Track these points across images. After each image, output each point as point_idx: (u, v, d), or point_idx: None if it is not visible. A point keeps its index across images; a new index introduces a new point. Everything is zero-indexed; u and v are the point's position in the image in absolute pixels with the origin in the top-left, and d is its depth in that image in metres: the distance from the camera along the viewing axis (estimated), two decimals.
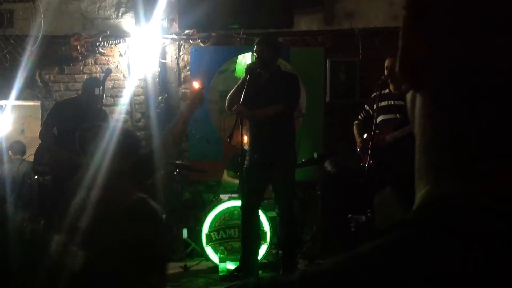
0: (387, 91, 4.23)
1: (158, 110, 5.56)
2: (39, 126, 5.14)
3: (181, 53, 5.71)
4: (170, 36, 5.62)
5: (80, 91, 4.79)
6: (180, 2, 5.48)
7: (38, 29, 5.47)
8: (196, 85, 2.74)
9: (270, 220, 4.35)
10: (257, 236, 4.06)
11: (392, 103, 4.17)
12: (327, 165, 4.72)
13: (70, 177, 2.50)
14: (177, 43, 5.67)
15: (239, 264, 4.06)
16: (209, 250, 4.44)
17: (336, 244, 4.37)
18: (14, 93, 5.35)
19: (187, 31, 5.57)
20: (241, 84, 3.96)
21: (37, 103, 5.85)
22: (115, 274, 1.82)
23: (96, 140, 2.00)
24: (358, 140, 4.42)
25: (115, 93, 5.70)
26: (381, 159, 4.00)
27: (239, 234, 4.24)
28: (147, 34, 5.45)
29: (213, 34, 5.58)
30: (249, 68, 3.97)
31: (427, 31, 0.43)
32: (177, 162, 4.99)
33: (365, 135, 4.30)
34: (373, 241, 0.41)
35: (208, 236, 4.46)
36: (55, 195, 4.04)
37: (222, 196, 4.75)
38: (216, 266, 4.29)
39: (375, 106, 4.18)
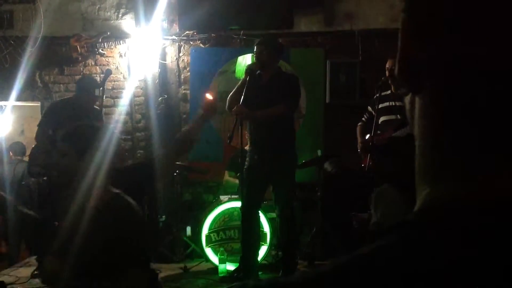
0: (388, 92, 4.24)
1: (158, 111, 5.56)
2: None
3: (181, 54, 5.71)
4: (170, 37, 5.63)
5: (77, 91, 4.78)
6: (180, 3, 5.48)
7: (38, 30, 5.48)
8: (209, 96, 2.80)
9: (270, 221, 4.35)
10: (257, 237, 4.06)
11: (393, 104, 4.18)
12: (327, 166, 4.72)
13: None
14: (177, 44, 5.67)
15: (239, 265, 4.06)
16: (209, 251, 4.44)
17: (336, 245, 4.37)
18: (14, 94, 5.35)
19: (187, 32, 5.57)
20: (241, 85, 3.96)
21: (37, 104, 5.85)
22: (98, 268, 1.83)
23: (75, 139, 2.04)
24: (359, 140, 4.43)
25: (115, 94, 5.70)
26: (378, 160, 4.01)
27: (239, 235, 4.23)
28: (147, 35, 5.45)
29: (213, 35, 5.58)
30: (249, 69, 3.97)
31: (425, 34, 0.44)
32: (177, 163, 4.99)
33: (367, 136, 4.30)
34: (374, 242, 0.41)
35: (208, 237, 4.45)
36: (52, 195, 4.04)
37: (222, 197, 4.75)
38: (216, 267, 4.28)
39: (378, 107, 4.21)
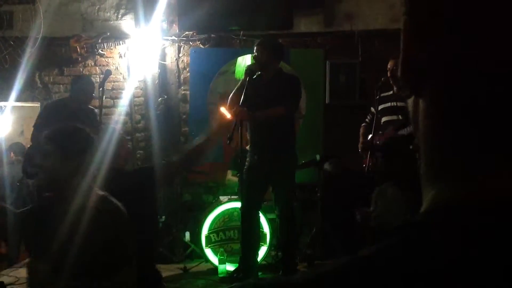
0: (390, 92, 4.24)
1: (157, 112, 5.56)
2: None
3: (180, 55, 5.71)
4: (170, 38, 5.63)
5: (72, 90, 4.76)
6: (180, 3, 5.48)
7: (37, 30, 5.48)
8: (227, 114, 2.72)
9: (270, 221, 4.35)
10: (257, 237, 4.06)
11: (395, 104, 4.18)
12: (327, 167, 4.72)
13: None
14: (176, 44, 5.67)
15: (238, 266, 4.06)
16: (208, 252, 4.44)
17: (336, 245, 4.37)
18: (14, 94, 5.35)
19: (186, 32, 5.58)
20: (240, 85, 3.97)
21: (36, 104, 5.85)
22: (85, 270, 1.82)
23: (59, 140, 2.02)
24: (361, 140, 4.43)
25: (115, 95, 5.70)
26: (378, 159, 4.02)
27: (239, 235, 4.23)
28: (147, 35, 5.45)
29: (212, 35, 5.58)
30: (248, 70, 3.97)
31: (425, 34, 0.44)
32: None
33: (369, 136, 4.31)
34: (375, 238, 0.41)
35: (207, 237, 4.45)
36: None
37: (222, 198, 4.75)
38: (216, 268, 4.28)
39: (380, 107, 4.21)
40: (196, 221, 4.67)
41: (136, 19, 5.50)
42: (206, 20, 5.28)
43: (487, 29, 0.41)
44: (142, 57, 5.55)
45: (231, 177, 5.13)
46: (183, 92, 5.71)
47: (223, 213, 4.50)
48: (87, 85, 4.69)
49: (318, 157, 4.60)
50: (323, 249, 4.49)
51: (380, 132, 4.15)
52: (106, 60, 5.71)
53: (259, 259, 4.17)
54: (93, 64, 5.75)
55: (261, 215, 4.14)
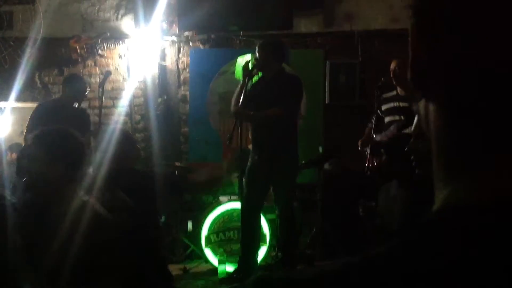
0: (394, 93, 4.24)
1: (157, 112, 5.56)
2: None
3: (180, 55, 5.71)
4: (170, 38, 5.63)
5: (64, 89, 4.71)
6: (180, 4, 5.48)
7: (37, 31, 5.47)
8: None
9: (270, 222, 4.35)
10: (257, 238, 4.06)
11: (398, 104, 4.18)
12: (327, 167, 4.72)
13: None
14: (176, 45, 5.67)
15: (238, 266, 4.05)
16: (208, 252, 4.44)
17: (336, 246, 4.37)
18: (13, 95, 5.35)
19: (186, 33, 5.58)
20: (240, 87, 3.98)
21: (36, 105, 5.85)
22: (67, 277, 1.76)
23: (46, 143, 1.97)
24: (363, 138, 4.41)
25: (115, 95, 5.70)
26: (379, 157, 4.02)
27: (239, 236, 4.23)
28: (147, 36, 5.45)
29: (212, 36, 5.58)
30: (245, 70, 4.00)
31: (428, 35, 0.44)
32: (177, 163, 4.99)
33: (373, 136, 4.30)
34: (388, 242, 0.41)
35: (207, 238, 4.45)
36: None
37: (222, 198, 4.75)
38: (216, 268, 4.28)
39: (383, 108, 4.21)
40: (196, 222, 4.67)
41: (136, 20, 5.50)
42: (206, 21, 5.28)
43: (487, 29, 0.41)
44: (142, 57, 5.55)
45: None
46: (183, 93, 5.71)
47: (223, 214, 4.49)
48: (78, 84, 4.62)
49: (321, 149, 4.60)
50: (323, 249, 4.49)
51: (382, 132, 4.16)
52: (106, 60, 5.71)
53: (259, 259, 4.17)
54: (93, 64, 5.75)
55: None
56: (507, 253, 0.37)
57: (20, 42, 5.54)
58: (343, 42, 5.45)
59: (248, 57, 5.38)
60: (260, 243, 4.20)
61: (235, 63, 5.56)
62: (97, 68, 5.74)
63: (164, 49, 5.67)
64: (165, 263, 3.01)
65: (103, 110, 4.60)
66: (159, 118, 5.49)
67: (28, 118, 4.57)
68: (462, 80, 0.42)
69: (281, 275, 0.44)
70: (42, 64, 5.65)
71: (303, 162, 4.59)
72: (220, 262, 4.26)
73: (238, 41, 5.57)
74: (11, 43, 5.55)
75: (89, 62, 5.74)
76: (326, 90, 5.46)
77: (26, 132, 4.45)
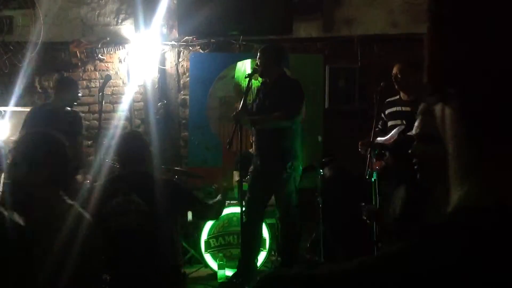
0: (397, 97, 4.25)
1: (157, 116, 5.56)
2: None
3: (180, 60, 5.72)
4: (170, 43, 5.64)
5: (56, 92, 4.68)
6: (180, 8, 5.49)
7: (37, 35, 5.48)
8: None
9: (269, 226, 4.34)
10: (258, 242, 4.06)
11: (400, 109, 4.19)
12: (327, 171, 4.72)
13: None
14: (176, 49, 5.68)
15: (237, 270, 4.03)
16: (207, 257, 4.43)
17: (335, 250, 4.36)
18: (13, 99, 5.35)
19: (186, 37, 5.58)
20: (245, 91, 4.04)
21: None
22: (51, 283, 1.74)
23: (26, 148, 1.94)
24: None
25: (115, 100, 5.71)
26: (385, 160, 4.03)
27: (238, 241, 4.22)
28: (147, 40, 5.46)
29: (212, 40, 5.59)
30: (247, 75, 4.04)
31: (450, 42, 0.44)
32: (176, 168, 4.99)
33: (378, 138, 4.30)
34: (403, 241, 0.42)
35: (207, 242, 4.44)
36: None
37: None
38: (215, 273, 4.27)
39: (387, 112, 4.22)
40: (195, 226, 4.66)
41: (136, 24, 5.51)
42: (205, 25, 5.29)
43: (506, 32, 0.41)
44: (142, 62, 5.55)
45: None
46: (182, 97, 5.72)
47: (222, 218, 4.48)
48: (69, 87, 4.60)
49: (320, 138, 4.61)
50: (322, 253, 4.48)
51: (385, 136, 4.17)
52: (106, 65, 5.72)
53: (258, 264, 4.16)
54: (92, 69, 5.75)
55: None
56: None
57: (20, 47, 5.54)
58: (342, 46, 5.46)
59: (248, 62, 5.40)
60: (260, 248, 4.20)
61: (235, 67, 5.57)
62: (97, 72, 5.74)
63: (164, 53, 5.68)
64: (180, 265, 3.03)
65: (103, 115, 4.59)
66: (159, 123, 5.49)
67: None
68: (480, 83, 0.42)
69: (297, 272, 0.44)
70: (42, 68, 5.65)
71: (304, 166, 4.59)
72: (220, 267, 4.25)
73: (238, 46, 5.58)
74: (11, 47, 5.55)
75: (89, 67, 5.74)
76: (326, 94, 5.46)
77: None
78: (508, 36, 0.41)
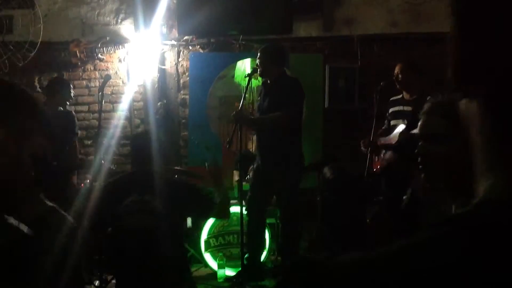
0: (400, 96, 4.25)
1: (157, 116, 5.56)
2: None
3: (180, 59, 5.72)
4: (169, 42, 5.63)
5: (49, 93, 4.67)
6: (179, 8, 5.49)
7: (37, 35, 5.48)
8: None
9: (269, 226, 4.35)
10: (262, 240, 4.08)
11: (402, 108, 4.19)
12: (326, 171, 4.72)
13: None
14: (176, 49, 5.68)
15: (241, 268, 4.02)
16: (207, 257, 4.43)
17: (335, 250, 4.36)
18: None
19: (186, 37, 5.58)
20: (244, 91, 4.06)
21: None
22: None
23: None
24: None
25: (114, 99, 5.71)
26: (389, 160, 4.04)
27: (238, 240, 4.23)
28: (146, 40, 5.46)
29: (212, 40, 5.59)
30: (247, 75, 4.05)
31: (473, 38, 0.45)
32: (176, 168, 4.98)
33: (381, 139, 4.30)
34: (430, 230, 0.44)
35: (206, 242, 4.45)
36: None
37: None
38: (215, 273, 4.27)
39: (390, 110, 4.23)
40: (195, 226, 4.66)
41: (136, 24, 5.51)
42: (205, 25, 5.28)
43: None
44: (142, 61, 5.55)
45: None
46: (182, 97, 5.72)
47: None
48: (61, 87, 4.60)
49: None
50: (322, 253, 4.48)
51: (388, 136, 4.17)
52: (106, 64, 5.72)
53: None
54: (92, 68, 5.75)
55: None
56: None
57: (20, 46, 5.54)
58: (342, 46, 5.46)
59: (248, 61, 5.40)
60: (264, 245, 4.22)
61: (235, 67, 5.57)
62: (96, 72, 5.74)
63: (163, 53, 5.68)
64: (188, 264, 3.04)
65: (102, 114, 4.59)
66: (158, 122, 5.48)
67: None
68: (505, 80, 0.43)
69: (325, 258, 0.46)
70: (42, 68, 5.65)
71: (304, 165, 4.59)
72: (220, 266, 4.25)
73: (237, 45, 5.58)
74: (11, 47, 5.55)
75: (89, 66, 5.74)
76: (326, 94, 5.46)
77: None
78: None
